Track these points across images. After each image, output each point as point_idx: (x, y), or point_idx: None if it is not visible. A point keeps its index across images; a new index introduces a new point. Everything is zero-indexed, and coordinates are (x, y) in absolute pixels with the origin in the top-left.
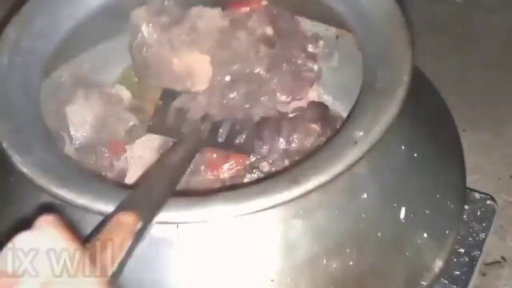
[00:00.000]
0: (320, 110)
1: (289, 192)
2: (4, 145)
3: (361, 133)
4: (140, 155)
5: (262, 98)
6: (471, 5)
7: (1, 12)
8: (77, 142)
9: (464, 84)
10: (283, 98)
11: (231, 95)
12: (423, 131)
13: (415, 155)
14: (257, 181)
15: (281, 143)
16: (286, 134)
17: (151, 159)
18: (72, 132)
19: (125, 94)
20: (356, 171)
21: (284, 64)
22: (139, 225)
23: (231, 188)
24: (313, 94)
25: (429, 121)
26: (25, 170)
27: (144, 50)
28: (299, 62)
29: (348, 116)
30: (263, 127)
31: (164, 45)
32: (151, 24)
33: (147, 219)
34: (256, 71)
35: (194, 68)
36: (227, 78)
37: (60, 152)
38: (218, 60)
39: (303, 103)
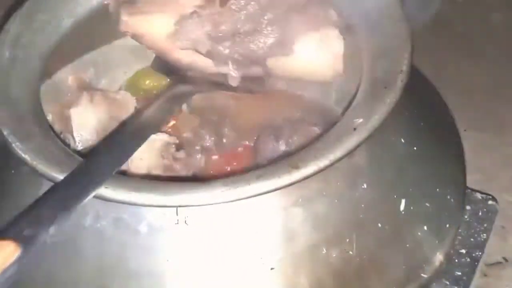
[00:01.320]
0: (322, 113)
1: (288, 177)
2: (5, 133)
3: (361, 120)
4: (141, 158)
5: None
6: (472, 4)
7: (2, 8)
8: (80, 144)
9: (466, 84)
10: (294, 22)
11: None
12: (422, 126)
13: (415, 148)
14: (257, 167)
15: (281, 145)
16: (286, 136)
17: (152, 161)
18: (75, 134)
19: (130, 100)
20: (355, 162)
21: None
22: (18, 254)
23: (230, 174)
24: (331, 31)
25: (427, 117)
26: (25, 156)
27: None
28: None
29: (348, 105)
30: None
31: None
32: None
33: (31, 243)
34: None
35: None
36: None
37: (59, 139)
38: None
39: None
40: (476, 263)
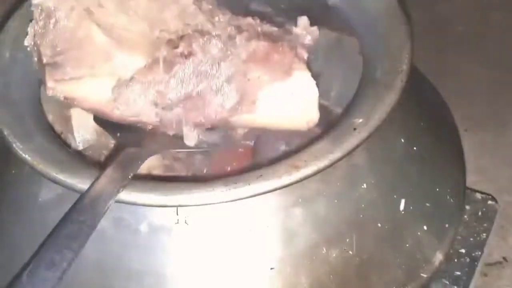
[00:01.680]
0: (322, 113)
1: (288, 177)
2: (5, 133)
3: (361, 120)
4: None
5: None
6: (472, 3)
7: (2, 8)
8: (81, 144)
9: (466, 83)
10: (256, 74)
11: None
12: (422, 126)
13: (415, 148)
14: (257, 167)
15: (281, 145)
16: (286, 136)
17: (153, 161)
18: (76, 134)
19: None
20: (355, 162)
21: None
22: None
23: (230, 174)
24: (301, 76)
25: (428, 117)
26: (26, 156)
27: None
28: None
29: (348, 105)
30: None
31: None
32: None
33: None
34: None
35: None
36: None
37: (60, 139)
38: (153, 18)
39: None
40: (475, 262)
